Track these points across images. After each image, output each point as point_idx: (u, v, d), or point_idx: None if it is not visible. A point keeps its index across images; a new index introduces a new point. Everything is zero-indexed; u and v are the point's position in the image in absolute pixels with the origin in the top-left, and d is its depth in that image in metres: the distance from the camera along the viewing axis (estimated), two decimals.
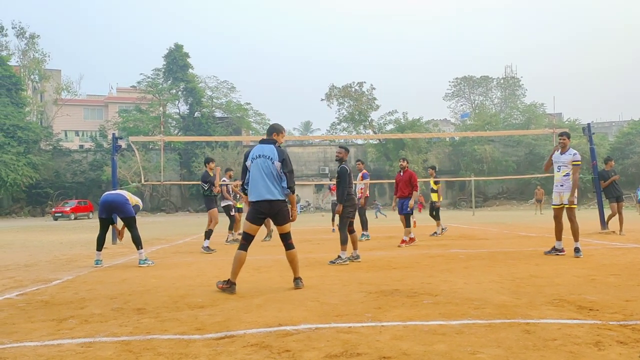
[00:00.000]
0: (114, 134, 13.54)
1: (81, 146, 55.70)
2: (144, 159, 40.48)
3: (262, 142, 5.68)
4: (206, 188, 10.51)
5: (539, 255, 8.08)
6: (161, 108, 49.67)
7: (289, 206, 5.60)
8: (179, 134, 48.28)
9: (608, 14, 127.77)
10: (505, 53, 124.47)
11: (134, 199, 8.63)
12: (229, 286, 5.38)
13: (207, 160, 10.95)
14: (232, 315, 4.25)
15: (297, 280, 5.67)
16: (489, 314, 4.07)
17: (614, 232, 11.95)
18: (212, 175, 10.63)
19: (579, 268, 6.56)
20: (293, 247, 5.65)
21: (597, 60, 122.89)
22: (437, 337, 3.43)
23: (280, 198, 5.45)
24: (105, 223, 8.41)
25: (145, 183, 23.65)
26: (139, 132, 43.33)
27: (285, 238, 5.60)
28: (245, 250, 5.48)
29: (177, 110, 51.79)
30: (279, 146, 5.62)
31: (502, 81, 73.77)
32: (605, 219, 12.58)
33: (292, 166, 5.59)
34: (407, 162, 10.89)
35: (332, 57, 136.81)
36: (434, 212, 13.28)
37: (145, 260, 8.09)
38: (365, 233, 12.23)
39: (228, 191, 11.96)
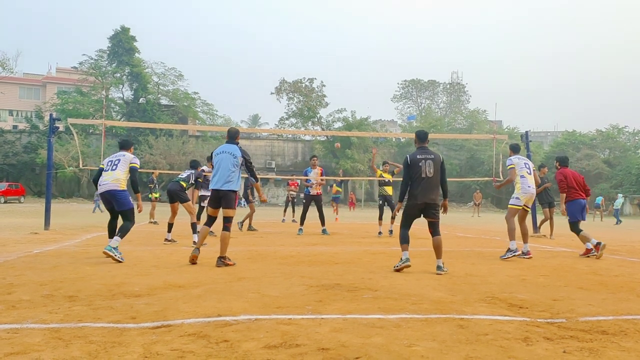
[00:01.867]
0: (51, 114, 12.91)
1: (15, 127, 52.92)
2: (83, 144, 38.94)
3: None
4: (192, 182, 10.10)
5: (475, 255, 8.37)
6: (104, 91, 47.85)
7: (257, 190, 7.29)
8: (122, 119, 46.67)
9: (558, 38, 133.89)
10: (452, 59, 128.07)
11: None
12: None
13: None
14: (170, 304, 4.16)
15: (220, 259, 6.51)
16: (425, 309, 4.17)
17: (545, 236, 12.56)
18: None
19: (511, 268, 6.84)
20: (228, 230, 6.63)
21: (541, 75, 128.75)
22: (375, 330, 3.49)
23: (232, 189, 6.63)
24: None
25: (84, 168, 22.73)
26: (79, 115, 41.55)
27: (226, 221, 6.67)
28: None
29: (121, 95, 50.04)
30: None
31: (448, 86, 75.95)
32: (538, 224, 13.20)
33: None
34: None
35: (284, 50, 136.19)
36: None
37: (115, 249, 6.78)
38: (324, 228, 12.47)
39: (209, 181, 11.74)
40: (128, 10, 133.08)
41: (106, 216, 7.43)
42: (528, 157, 14.11)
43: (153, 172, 17.93)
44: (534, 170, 8.47)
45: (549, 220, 12.62)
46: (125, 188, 7.14)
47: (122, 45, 47.09)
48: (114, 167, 7.16)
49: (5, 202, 35.67)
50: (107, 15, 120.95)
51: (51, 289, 4.75)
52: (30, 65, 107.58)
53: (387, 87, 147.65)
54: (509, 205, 8.28)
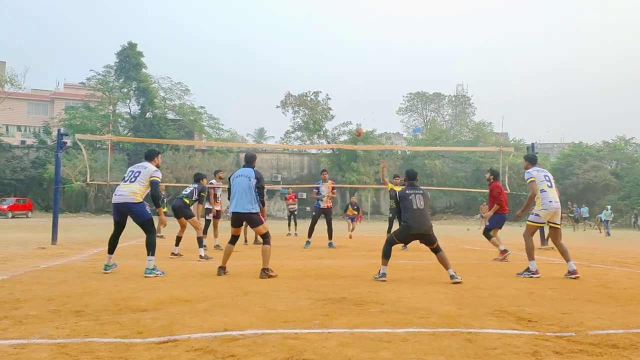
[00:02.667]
0: (59, 130, 13.03)
1: (23, 142, 53.37)
2: (91, 159, 39.14)
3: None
4: (195, 198, 10.04)
5: (482, 268, 8.32)
6: (111, 106, 48.21)
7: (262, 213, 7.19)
8: (129, 134, 46.96)
9: (564, 49, 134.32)
10: (458, 72, 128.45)
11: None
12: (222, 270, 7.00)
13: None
14: (177, 319, 4.15)
15: (264, 270, 6.82)
16: (433, 323, 4.14)
17: (552, 248, 12.45)
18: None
19: (519, 281, 6.79)
20: (268, 244, 6.98)
21: (547, 87, 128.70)
22: (382, 344, 3.46)
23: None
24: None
25: (91, 182, 22.85)
26: (86, 131, 41.81)
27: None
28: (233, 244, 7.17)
29: (128, 110, 50.43)
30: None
31: (453, 99, 76.06)
32: (545, 236, 13.10)
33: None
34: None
35: (289, 65, 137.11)
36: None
37: (154, 269, 6.87)
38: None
39: (215, 194, 11.77)
40: (135, 26, 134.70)
41: (125, 230, 7.33)
42: None
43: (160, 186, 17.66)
44: (554, 183, 7.62)
45: None
46: (141, 200, 6.97)
47: (129, 60, 47.54)
48: (133, 179, 7.00)
49: (13, 216, 35.85)
50: (115, 31, 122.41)
51: (58, 304, 4.75)
52: (38, 81, 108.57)
53: (393, 100, 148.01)
54: (528, 222, 7.50)
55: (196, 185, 10.15)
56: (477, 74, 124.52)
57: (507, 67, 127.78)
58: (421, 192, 6.90)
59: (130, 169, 7.28)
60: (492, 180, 10.38)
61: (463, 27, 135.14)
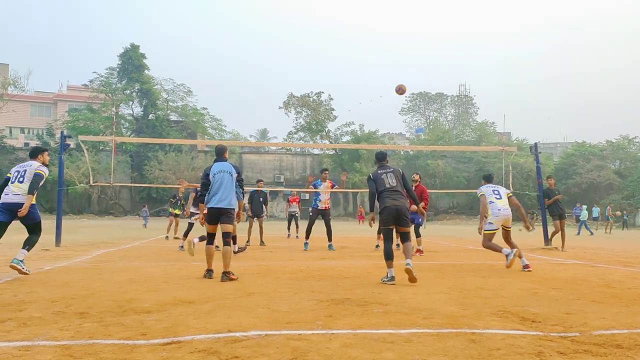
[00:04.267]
0: (62, 132, 13.08)
1: (27, 144, 53.42)
2: (94, 160, 39.27)
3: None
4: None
5: (486, 268, 8.31)
6: (114, 108, 48.33)
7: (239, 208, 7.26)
8: (132, 135, 47.10)
9: (566, 49, 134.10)
10: (460, 71, 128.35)
11: None
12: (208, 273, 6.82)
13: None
14: (180, 320, 4.16)
15: (224, 274, 6.59)
16: (437, 323, 4.14)
17: (556, 248, 12.44)
18: None
19: (523, 282, 6.78)
20: (229, 245, 6.79)
21: (550, 86, 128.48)
22: (386, 345, 3.46)
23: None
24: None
25: (94, 184, 22.90)
26: (90, 132, 41.98)
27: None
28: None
29: (131, 112, 50.57)
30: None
31: (456, 99, 75.98)
32: (549, 236, 13.08)
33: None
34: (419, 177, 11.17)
35: (293, 66, 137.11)
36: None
37: (22, 261, 6.80)
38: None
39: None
40: (137, 26, 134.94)
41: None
42: (538, 169, 14.10)
43: (179, 188, 16.32)
44: (508, 194, 8.66)
45: (560, 233, 12.51)
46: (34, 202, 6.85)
47: (131, 62, 47.68)
48: (22, 179, 6.83)
49: None
50: (117, 33, 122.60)
51: (62, 305, 4.76)
52: (41, 84, 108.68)
53: (395, 100, 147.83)
54: (484, 232, 8.34)
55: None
56: (479, 73, 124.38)
57: (509, 67, 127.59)
58: (391, 170, 7.00)
59: (14, 169, 7.08)
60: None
61: (466, 29, 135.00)
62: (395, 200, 6.67)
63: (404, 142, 70.07)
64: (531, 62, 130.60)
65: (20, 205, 6.71)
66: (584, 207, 27.36)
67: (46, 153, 7.41)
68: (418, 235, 10.54)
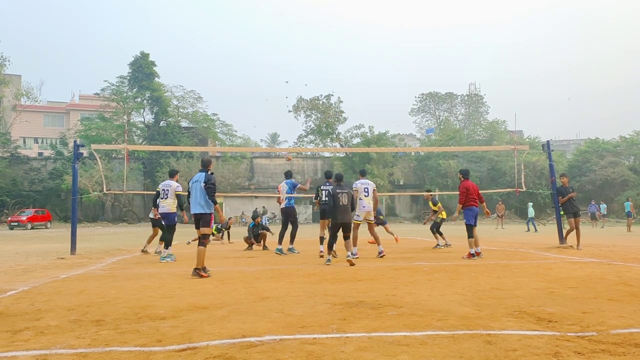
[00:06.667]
0: (75, 141, 13.20)
1: (40, 154, 54.06)
2: (107, 168, 39.59)
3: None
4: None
5: (500, 268, 8.24)
6: (125, 116, 48.72)
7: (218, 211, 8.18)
8: (144, 143, 47.40)
9: (576, 43, 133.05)
10: (470, 71, 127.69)
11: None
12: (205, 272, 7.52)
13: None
14: (195, 326, 4.18)
15: (196, 270, 7.46)
16: (451, 325, 4.11)
17: (571, 246, 12.30)
18: None
19: (538, 281, 6.71)
20: (204, 246, 7.69)
21: (560, 82, 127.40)
22: (401, 347, 3.45)
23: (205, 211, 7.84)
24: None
25: (107, 192, 23.11)
26: (102, 141, 42.31)
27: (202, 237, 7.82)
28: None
29: (142, 119, 50.90)
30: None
31: (466, 98, 75.57)
32: (564, 234, 12.95)
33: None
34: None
35: (301, 70, 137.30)
36: (435, 227, 13.80)
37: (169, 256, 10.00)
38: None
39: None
40: (147, 34, 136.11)
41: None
42: (550, 167, 13.98)
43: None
44: (374, 190, 10.47)
45: (575, 231, 12.37)
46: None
47: (142, 70, 48.02)
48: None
49: (32, 228, 36.29)
50: (127, 41, 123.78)
51: (78, 313, 4.81)
52: (53, 94, 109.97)
53: (405, 101, 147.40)
54: (353, 221, 9.75)
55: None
56: (490, 72, 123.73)
57: (519, 64, 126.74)
58: (346, 191, 9.23)
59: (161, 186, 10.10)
60: (462, 179, 10.54)
61: (475, 30, 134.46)
62: (345, 216, 9.14)
63: (415, 143, 69.80)
64: (541, 48, 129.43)
65: (166, 214, 10.45)
66: (604, 205, 26.94)
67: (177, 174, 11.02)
68: (470, 236, 10.19)
